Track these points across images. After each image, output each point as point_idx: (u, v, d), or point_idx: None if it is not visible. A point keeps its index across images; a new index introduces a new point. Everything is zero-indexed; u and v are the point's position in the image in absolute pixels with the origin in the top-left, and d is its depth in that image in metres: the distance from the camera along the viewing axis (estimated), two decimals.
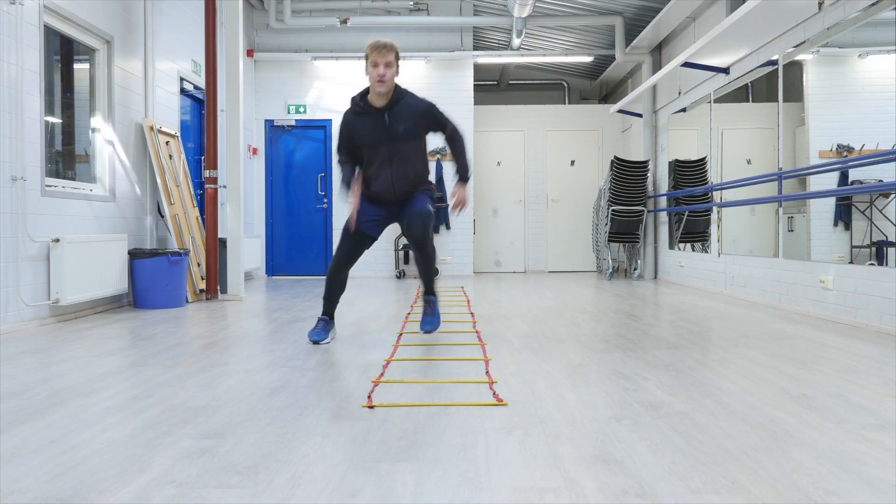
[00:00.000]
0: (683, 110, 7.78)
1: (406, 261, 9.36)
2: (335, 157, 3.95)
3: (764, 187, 5.84)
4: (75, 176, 5.27)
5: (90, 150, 5.43)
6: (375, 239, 3.82)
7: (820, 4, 4.81)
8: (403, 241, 9.39)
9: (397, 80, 3.77)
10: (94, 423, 2.16)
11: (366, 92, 3.74)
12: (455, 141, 3.85)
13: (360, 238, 3.74)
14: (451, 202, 3.84)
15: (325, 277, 3.85)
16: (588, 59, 9.52)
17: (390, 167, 3.73)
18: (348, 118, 3.78)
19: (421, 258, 3.86)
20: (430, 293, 4.02)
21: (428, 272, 3.94)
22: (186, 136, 7.17)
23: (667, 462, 1.78)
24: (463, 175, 3.86)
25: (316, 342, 3.65)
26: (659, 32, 7.94)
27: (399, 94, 3.71)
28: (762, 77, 5.94)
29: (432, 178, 9.92)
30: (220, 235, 6.94)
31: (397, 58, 3.66)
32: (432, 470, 1.74)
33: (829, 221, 5.06)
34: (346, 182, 3.75)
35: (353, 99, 3.76)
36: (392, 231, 9.39)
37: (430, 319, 3.97)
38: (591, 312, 5.04)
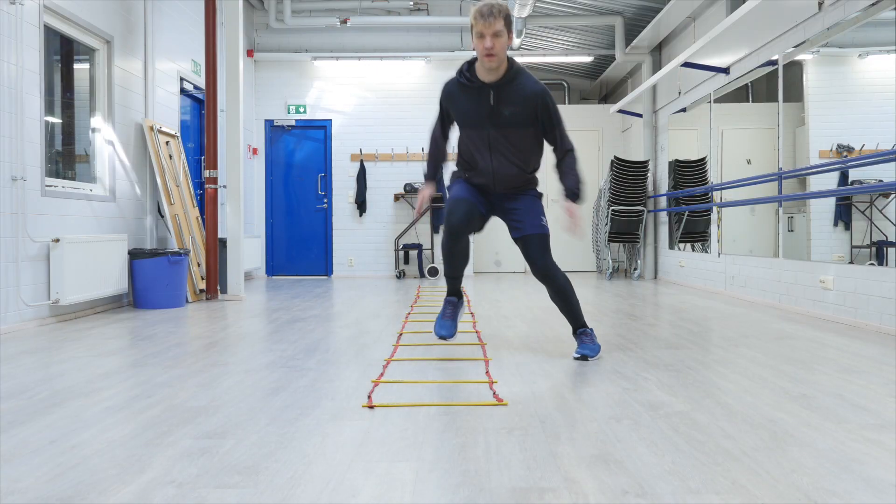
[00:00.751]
0: (683, 110, 7.78)
1: (406, 261, 9.36)
2: (429, 140, 3.42)
3: (764, 187, 5.84)
4: (75, 176, 5.27)
5: (90, 150, 5.44)
6: (483, 213, 3.24)
7: (820, 4, 4.81)
8: (403, 241, 9.39)
9: (512, 55, 3.18)
10: (94, 423, 2.16)
11: (474, 61, 3.16)
12: (566, 157, 3.20)
13: (470, 205, 3.16)
14: (565, 223, 3.13)
15: (439, 252, 3.35)
16: (588, 59, 9.52)
17: (490, 156, 3.18)
18: (449, 90, 3.24)
19: (553, 291, 3.24)
20: (581, 326, 3.30)
21: (570, 305, 3.26)
22: (186, 136, 7.18)
23: (667, 462, 1.78)
24: (573, 190, 3.13)
25: (443, 337, 3.28)
26: (659, 32, 7.94)
27: (514, 72, 3.11)
28: (762, 77, 5.94)
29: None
30: (220, 235, 6.94)
31: (508, 24, 3.03)
32: (432, 470, 1.74)
33: (829, 221, 5.06)
34: (430, 175, 3.35)
35: (460, 68, 3.20)
36: (392, 231, 9.39)
37: (591, 346, 3.24)
38: (591, 312, 5.04)
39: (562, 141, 3.21)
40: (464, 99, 3.18)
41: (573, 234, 3.16)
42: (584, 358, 3.15)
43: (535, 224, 3.20)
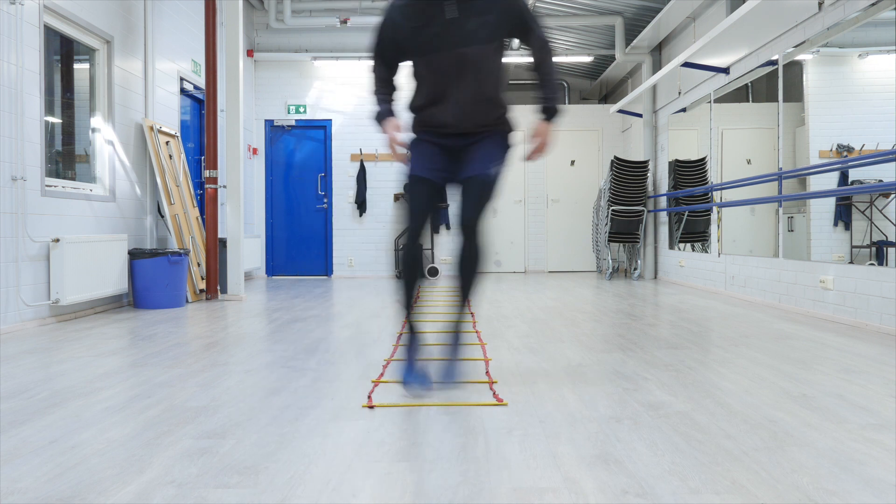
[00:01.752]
0: (683, 110, 7.78)
1: None
2: (369, 78, 2.70)
3: (764, 187, 5.84)
4: (75, 176, 5.27)
5: (90, 150, 5.44)
6: (444, 188, 2.66)
7: (820, 4, 4.81)
8: (404, 241, 9.37)
9: None
10: (94, 423, 2.16)
11: None
12: (544, 55, 2.63)
13: (427, 188, 2.60)
14: (529, 145, 2.65)
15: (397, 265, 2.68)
16: (588, 59, 9.52)
17: (456, 83, 2.57)
18: (395, 7, 2.58)
19: (467, 253, 2.60)
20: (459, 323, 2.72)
21: (472, 280, 2.65)
22: (186, 136, 7.18)
23: (667, 462, 1.78)
24: (550, 105, 2.63)
25: (419, 393, 2.52)
26: (659, 32, 7.94)
27: None
28: (762, 77, 5.94)
29: None
30: (220, 235, 6.94)
31: None
32: (432, 470, 1.74)
33: (829, 221, 5.06)
34: (384, 114, 2.63)
35: None
36: (392, 230, 9.39)
37: (450, 370, 2.65)
38: (591, 312, 5.04)
39: (540, 39, 2.64)
40: (416, 16, 2.54)
41: (536, 158, 2.66)
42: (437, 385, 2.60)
43: (482, 166, 2.60)
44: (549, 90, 2.65)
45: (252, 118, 9.24)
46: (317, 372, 2.95)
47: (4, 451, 1.89)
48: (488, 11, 2.52)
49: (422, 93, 2.65)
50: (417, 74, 2.64)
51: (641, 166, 8.42)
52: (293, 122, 9.43)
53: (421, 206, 2.59)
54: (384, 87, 2.68)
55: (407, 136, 2.62)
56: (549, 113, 2.65)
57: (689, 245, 7.76)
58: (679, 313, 4.98)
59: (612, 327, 4.27)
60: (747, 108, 6.57)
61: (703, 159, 7.22)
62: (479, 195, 2.57)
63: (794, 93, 5.36)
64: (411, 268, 2.62)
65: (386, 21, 2.61)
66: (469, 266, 2.62)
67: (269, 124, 9.44)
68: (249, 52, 9.14)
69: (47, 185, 4.72)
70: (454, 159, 2.69)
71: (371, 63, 2.70)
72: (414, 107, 2.70)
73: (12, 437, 2.02)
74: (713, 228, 6.86)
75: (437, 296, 6.41)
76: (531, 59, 2.68)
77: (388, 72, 2.68)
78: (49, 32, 4.86)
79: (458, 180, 2.65)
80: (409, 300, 2.64)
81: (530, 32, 2.62)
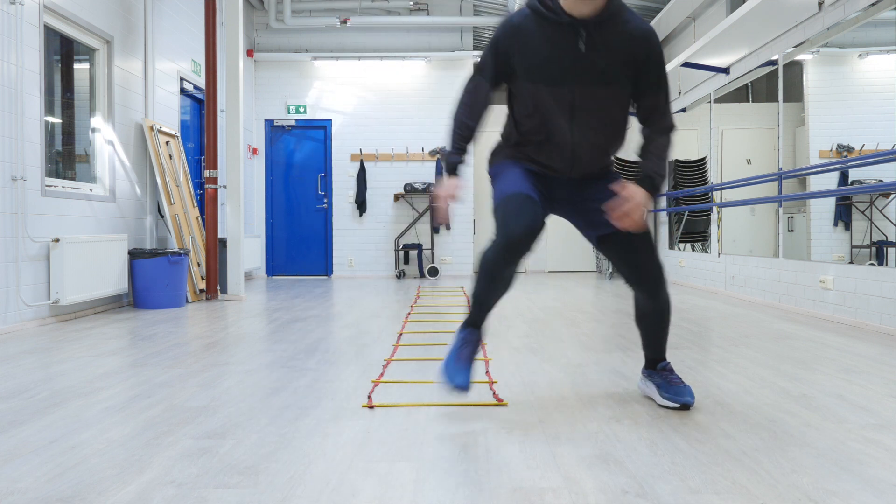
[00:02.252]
0: (683, 110, 7.78)
1: (406, 261, 9.36)
2: (459, 102, 2.28)
3: (764, 187, 5.84)
4: (75, 176, 5.27)
5: (90, 150, 5.44)
6: (545, 216, 2.24)
7: (820, 4, 4.81)
8: (403, 241, 9.37)
9: None
10: (94, 423, 2.16)
11: None
12: (661, 131, 2.25)
13: (536, 208, 2.16)
14: (616, 201, 2.15)
15: (478, 270, 2.29)
16: None
17: (571, 125, 2.21)
18: (518, 25, 2.20)
19: (656, 309, 2.35)
20: (664, 358, 2.44)
21: (665, 330, 2.41)
22: (186, 136, 7.18)
23: (667, 462, 1.78)
24: (653, 180, 2.18)
25: (460, 388, 2.23)
26: (659, 32, 7.94)
27: (616, 5, 2.18)
28: (762, 77, 5.94)
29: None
30: (220, 235, 6.94)
31: None
32: (432, 470, 1.74)
33: (829, 221, 5.06)
34: (456, 157, 2.24)
35: None
36: (392, 231, 9.38)
37: (683, 388, 2.32)
38: (591, 312, 5.04)
39: (663, 113, 2.26)
40: (541, 39, 2.18)
41: (626, 227, 2.15)
42: (685, 407, 2.30)
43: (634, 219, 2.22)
44: (656, 165, 2.22)
45: (252, 118, 9.24)
46: (317, 372, 2.95)
47: (4, 451, 1.89)
48: (623, 49, 2.17)
49: (525, 127, 2.28)
50: (523, 105, 2.25)
51: None
52: (293, 122, 9.43)
53: (526, 225, 2.10)
54: (469, 124, 2.26)
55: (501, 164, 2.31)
56: (649, 185, 2.18)
57: (689, 245, 7.76)
58: (679, 313, 4.98)
59: (613, 327, 4.27)
60: (747, 108, 6.57)
61: (703, 159, 7.22)
62: (647, 245, 2.26)
63: (794, 93, 5.36)
64: (496, 282, 2.26)
65: (505, 30, 2.23)
66: (664, 322, 2.38)
67: (269, 124, 9.44)
68: (249, 52, 9.14)
69: (47, 185, 4.72)
70: (558, 197, 2.35)
71: (469, 80, 2.29)
72: (511, 140, 2.35)
73: (12, 437, 2.02)
74: (713, 228, 6.86)
75: (438, 295, 6.41)
76: (641, 130, 2.28)
77: (489, 88, 2.27)
78: (49, 32, 4.86)
79: (602, 235, 2.30)
80: (483, 306, 2.34)
81: (656, 94, 2.24)
